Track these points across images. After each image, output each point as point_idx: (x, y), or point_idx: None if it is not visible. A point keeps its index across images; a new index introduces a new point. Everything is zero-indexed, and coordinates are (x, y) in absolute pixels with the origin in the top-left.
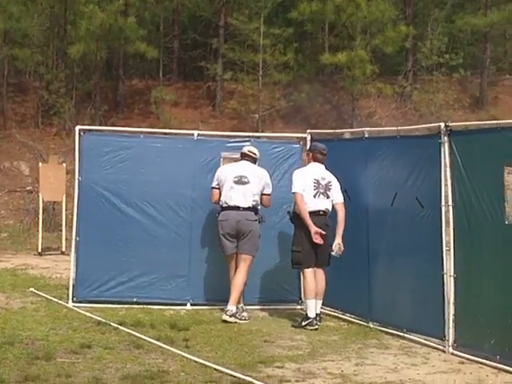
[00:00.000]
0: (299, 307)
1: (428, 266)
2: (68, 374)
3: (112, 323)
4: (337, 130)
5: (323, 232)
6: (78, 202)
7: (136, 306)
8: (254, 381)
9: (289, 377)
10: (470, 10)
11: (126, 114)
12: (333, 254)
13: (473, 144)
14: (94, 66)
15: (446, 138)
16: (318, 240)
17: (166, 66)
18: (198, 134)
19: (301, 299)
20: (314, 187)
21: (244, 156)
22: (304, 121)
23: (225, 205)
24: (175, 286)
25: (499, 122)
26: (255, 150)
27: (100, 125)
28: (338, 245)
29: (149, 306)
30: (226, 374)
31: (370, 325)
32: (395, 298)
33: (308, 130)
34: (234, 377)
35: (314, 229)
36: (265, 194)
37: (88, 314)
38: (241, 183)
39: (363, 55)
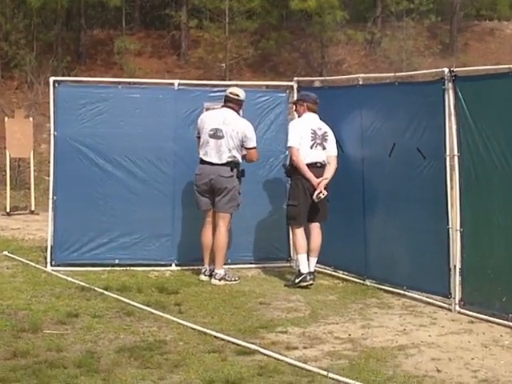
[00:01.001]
0: (289, 265)
1: (431, 220)
2: (59, 348)
3: (97, 288)
4: (327, 77)
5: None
6: (53, 158)
7: (118, 269)
8: (260, 349)
9: (295, 343)
10: None
11: (89, 66)
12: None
13: (481, 90)
14: (54, 16)
15: (450, 85)
16: (321, 193)
17: (128, 14)
18: (179, 84)
19: (290, 256)
20: (312, 138)
21: (226, 101)
22: (272, 69)
23: (201, 158)
24: (159, 245)
25: (510, 66)
26: (239, 92)
27: (63, 76)
28: (318, 194)
29: (132, 268)
30: (229, 341)
31: (367, 282)
32: (394, 254)
33: (295, 78)
34: (238, 345)
35: (315, 180)
36: (247, 148)
37: (69, 279)
38: (216, 137)
39: (333, 1)
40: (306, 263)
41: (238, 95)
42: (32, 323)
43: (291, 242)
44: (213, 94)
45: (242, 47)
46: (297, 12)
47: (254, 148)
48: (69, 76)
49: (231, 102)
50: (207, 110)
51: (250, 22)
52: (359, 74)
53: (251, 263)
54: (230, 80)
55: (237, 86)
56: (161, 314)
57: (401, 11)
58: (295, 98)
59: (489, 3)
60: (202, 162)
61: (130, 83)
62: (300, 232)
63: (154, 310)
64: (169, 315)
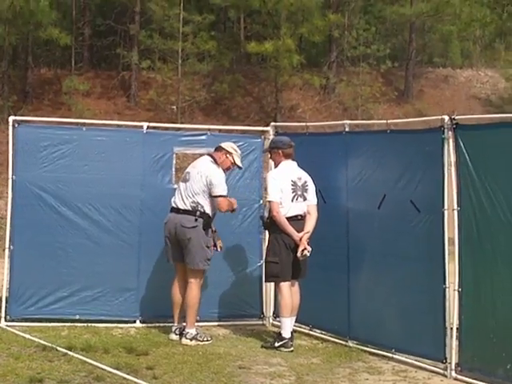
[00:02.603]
0: (261, 322)
1: (425, 279)
2: None
3: (59, 348)
4: (309, 123)
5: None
6: (11, 204)
7: (79, 325)
8: None
9: None
10: (390, 1)
11: (36, 105)
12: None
13: (485, 140)
14: (1, 53)
15: (450, 133)
16: (305, 250)
17: (77, 53)
18: (148, 127)
19: (263, 314)
20: (292, 190)
21: (215, 150)
22: (225, 113)
23: (170, 205)
24: (123, 300)
25: None
26: (227, 144)
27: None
28: (302, 251)
29: (93, 324)
30: None
31: (350, 343)
32: (382, 314)
33: (272, 123)
34: None
35: (298, 236)
36: (213, 196)
37: (27, 336)
38: (184, 180)
39: (290, 44)
40: (289, 327)
41: (220, 146)
42: None
43: (264, 298)
44: (183, 139)
45: (195, 90)
46: (252, 55)
47: (220, 196)
48: (15, 115)
49: (215, 151)
50: (177, 155)
51: (204, 64)
52: (313, 120)
53: (221, 320)
54: (182, 123)
55: (209, 129)
56: (134, 379)
57: (356, 56)
58: (267, 144)
59: (441, 50)
60: (171, 209)
61: (94, 125)
62: (287, 289)
63: (126, 375)
64: (143, 381)
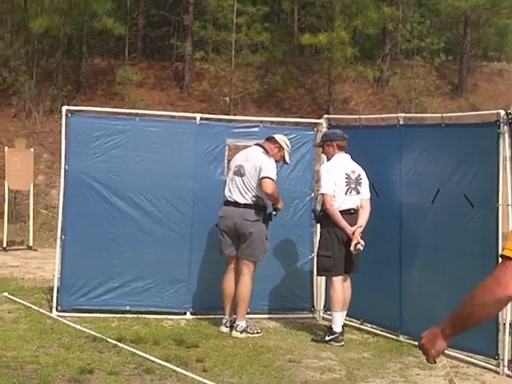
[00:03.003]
0: (312, 316)
1: (477, 274)
2: None
3: (109, 339)
4: (362, 116)
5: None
6: (63, 194)
7: (129, 316)
8: None
9: None
10: None
11: (89, 95)
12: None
13: None
14: (57, 43)
15: (506, 128)
16: (359, 244)
17: (131, 44)
18: (201, 118)
19: (314, 307)
20: (346, 183)
21: (265, 140)
22: (277, 105)
23: (224, 199)
24: (173, 292)
25: None
26: (279, 137)
27: (63, 105)
28: (355, 245)
29: (143, 316)
30: None
31: (401, 338)
32: (433, 309)
33: (325, 116)
34: None
35: (351, 230)
36: (260, 178)
37: (78, 327)
38: (239, 174)
39: (344, 37)
40: (340, 321)
41: (274, 137)
42: (42, 380)
43: (315, 291)
44: (236, 130)
45: (248, 81)
46: (305, 47)
47: (267, 178)
48: (68, 105)
49: (266, 141)
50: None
51: (257, 55)
52: (366, 112)
53: (272, 313)
54: (234, 114)
55: (261, 121)
56: (184, 372)
57: (410, 49)
58: (319, 138)
59: (496, 44)
60: (226, 202)
61: (148, 115)
62: (339, 284)
63: (176, 368)
64: (193, 374)
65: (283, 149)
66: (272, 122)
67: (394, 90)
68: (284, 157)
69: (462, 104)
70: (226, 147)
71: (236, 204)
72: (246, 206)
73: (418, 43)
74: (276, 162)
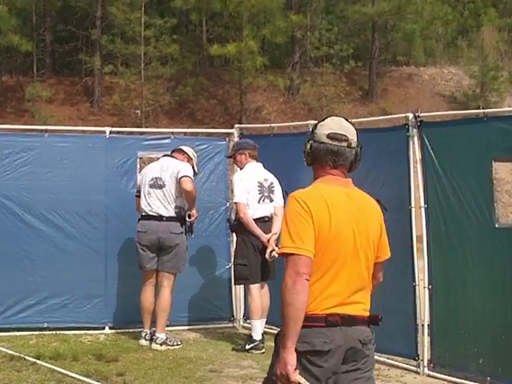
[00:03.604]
0: (232, 325)
1: (395, 277)
2: None
3: (27, 357)
4: (273, 124)
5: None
6: None
7: (48, 333)
8: None
9: None
10: (352, 0)
11: None
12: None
13: (450, 136)
14: None
15: (415, 131)
16: (273, 251)
17: (39, 60)
18: (111, 132)
19: (233, 316)
20: (259, 191)
21: (171, 152)
22: (189, 116)
23: (143, 213)
24: (91, 307)
25: (484, 111)
26: (189, 150)
27: None
28: (270, 253)
29: (62, 332)
30: None
31: None
32: None
33: (236, 125)
34: None
35: (265, 237)
36: (179, 178)
37: None
38: (157, 187)
39: (253, 46)
40: (260, 329)
41: (182, 149)
42: None
43: (234, 300)
44: (147, 143)
45: (159, 93)
46: (215, 58)
47: (185, 176)
48: None
49: (175, 152)
50: (142, 159)
51: (166, 67)
52: (278, 121)
53: (191, 324)
54: (146, 127)
55: (173, 133)
56: None
57: (320, 57)
58: (231, 148)
59: (404, 49)
60: (147, 217)
61: (56, 131)
62: (257, 292)
63: (96, 383)
64: None
65: (191, 159)
66: (185, 133)
67: (304, 97)
68: (193, 167)
69: (372, 109)
70: (138, 160)
71: (159, 218)
72: (170, 218)
73: (326, 50)
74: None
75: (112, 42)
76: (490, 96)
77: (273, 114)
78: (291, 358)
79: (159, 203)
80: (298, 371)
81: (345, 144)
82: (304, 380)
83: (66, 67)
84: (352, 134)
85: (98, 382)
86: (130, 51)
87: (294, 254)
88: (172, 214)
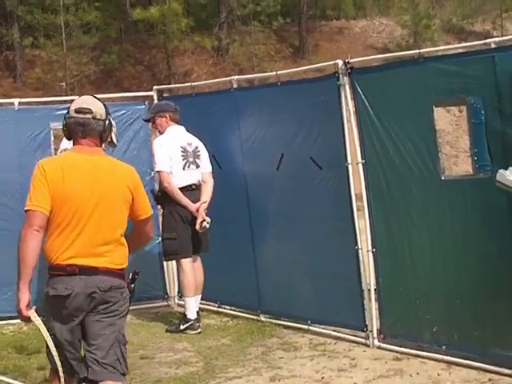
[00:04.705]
0: (166, 303)
1: (335, 241)
2: None
3: None
4: (194, 83)
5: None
6: None
7: None
8: None
9: None
10: None
11: None
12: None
13: (385, 83)
14: None
15: (346, 79)
16: (204, 221)
17: None
18: (20, 103)
19: (167, 294)
20: (183, 157)
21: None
22: (116, 85)
23: None
24: (12, 294)
25: (420, 51)
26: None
27: None
28: (200, 223)
29: None
30: None
31: (262, 318)
32: (293, 283)
33: (155, 87)
34: None
35: (194, 207)
36: None
37: None
38: None
39: (177, 8)
40: (194, 308)
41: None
42: None
43: (167, 277)
44: (60, 112)
45: (83, 64)
46: (138, 23)
47: None
48: None
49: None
50: (55, 130)
51: (89, 36)
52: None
53: None
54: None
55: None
56: None
57: (247, 15)
58: (149, 112)
59: (333, 3)
60: None
61: None
62: (189, 267)
63: (11, 381)
64: None
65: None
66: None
67: (234, 58)
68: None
69: (304, 66)
70: (51, 132)
71: None
72: None
73: (253, 8)
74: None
75: (30, 13)
76: (423, 45)
77: (203, 77)
78: (24, 297)
79: None
80: (33, 309)
81: (89, 116)
82: (35, 316)
83: None
84: (98, 108)
85: (15, 379)
86: (50, 21)
87: (29, 210)
88: None
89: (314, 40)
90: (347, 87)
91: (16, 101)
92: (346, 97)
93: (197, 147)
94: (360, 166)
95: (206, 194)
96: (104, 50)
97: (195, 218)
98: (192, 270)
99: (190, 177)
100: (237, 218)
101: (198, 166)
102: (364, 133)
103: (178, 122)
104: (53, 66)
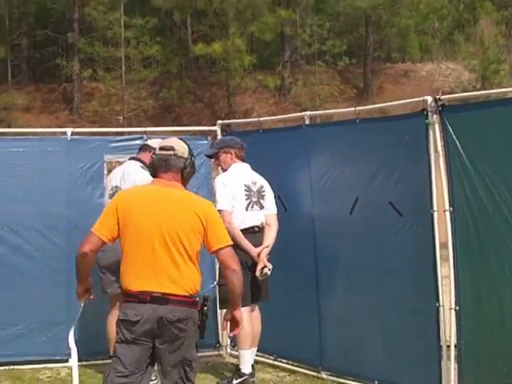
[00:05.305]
0: (218, 353)
1: (413, 296)
2: None
3: None
4: (262, 119)
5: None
6: None
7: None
8: None
9: None
10: None
11: None
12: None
13: (481, 122)
14: None
15: (435, 117)
16: (266, 267)
17: (15, 66)
18: (73, 133)
19: (219, 343)
20: (246, 196)
21: (139, 150)
22: (175, 121)
23: None
24: (51, 336)
25: None
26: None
27: None
28: (261, 270)
29: (16, 367)
30: None
31: (323, 375)
32: (361, 339)
33: (219, 121)
34: None
35: (255, 251)
36: None
37: None
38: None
39: (240, 44)
40: (249, 362)
41: (147, 144)
42: None
43: (219, 325)
44: (115, 144)
45: (141, 98)
46: (200, 58)
47: None
48: None
49: (141, 151)
50: (109, 164)
51: (149, 70)
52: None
53: None
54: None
55: (145, 132)
56: None
57: (311, 54)
58: (213, 147)
59: (399, 45)
60: None
61: (9, 134)
62: (247, 317)
63: None
64: None
65: None
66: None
67: (296, 98)
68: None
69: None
70: (105, 165)
71: None
72: None
73: (319, 47)
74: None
75: (91, 45)
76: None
77: (263, 116)
78: (82, 288)
79: None
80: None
81: (171, 152)
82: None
83: (44, 73)
84: (180, 147)
85: None
86: (110, 54)
87: (90, 231)
88: None
89: (379, 82)
90: (436, 126)
91: (69, 130)
92: (434, 137)
93: (262, 186)
94: (447, 213)
95: (270, 237)
96: (163, 85)
97: (256, 264)
98: (249, 320)
99: (253, 218)
100: (302, 265)
101: (262, 207)
102: (454, 177)
103: (243, 160)
104: (110, 100)
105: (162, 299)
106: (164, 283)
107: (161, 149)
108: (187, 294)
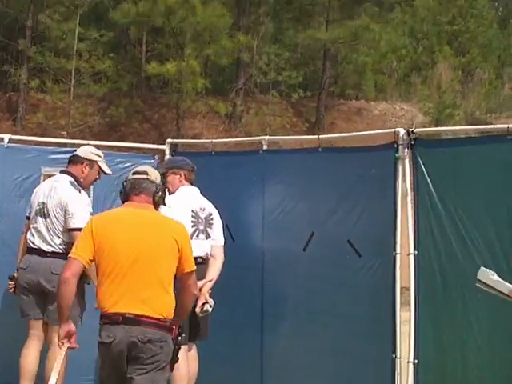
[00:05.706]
0: None
1: (367, 345)
2: None
3: None
4: (215, 140)
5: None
6: None
7: None
8: None
9: None
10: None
11: None
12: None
13: (456, 160)
14: None
15: (406, 151)
16: (207, 303)
17: None
18: (10, 140)
19: None
20: (192, 223)
21: (68, 163)
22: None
23: (28, 245)
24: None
25: (509, 126)
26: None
27: None
28: (202, 306)
29: None
30: None
31: None
32: None
33: (168, 140)
34: None
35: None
36: (68, 229)
37: None
38: (42, 215)
39: (195, 66)
40: None
41: (77, 155)
42: None
43: None
44: (54, 156)
45: (88, 114)
46: (152, 78)
47: (76, 230)
48: None
49: (70, 164)
50: (46, 176)
51: (99, 86)
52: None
53: None
54: None
55: (88, 145)
56: None
57: (266, 84)
58: (161, 167)
59: (354, 83)
60: (30, 250)
61: None
62: (183, 357)
63: None
64: None
65: (95, 161)
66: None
67: (247, 126)
68: (101, 169)
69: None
70: (42, 177)
71: (41, 252)
72: (53, 255)
73: (274, 77)
74: (93, 181)
75: (41, 55)
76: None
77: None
78: (64, 328)
79: (41, 235)
80: (70, 343)
81: (144, 176)
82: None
83: None
84: (152, 172)
85: None
86: (61, 65)
87: (70, 257)
88: (57, 249)
89: (331, 118)
90: (407, 161)
91: (7, 136)
92: (404, 172)
93: (210, 214)
94: (411, 257)
95: (214, 270)
96: (112, 103)
97: (197, 299)
98: (186, 359)
99: (198, 248)
100: (247, 302)
101: (208, 236)
102: (421, 217)
103: (192, 184)
104: (56, 113)
105: (134, 320)
106: (137, 305)
107: (134, 173)
108: (160, 317)
